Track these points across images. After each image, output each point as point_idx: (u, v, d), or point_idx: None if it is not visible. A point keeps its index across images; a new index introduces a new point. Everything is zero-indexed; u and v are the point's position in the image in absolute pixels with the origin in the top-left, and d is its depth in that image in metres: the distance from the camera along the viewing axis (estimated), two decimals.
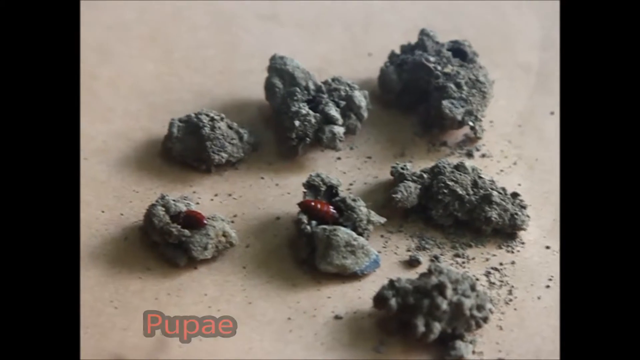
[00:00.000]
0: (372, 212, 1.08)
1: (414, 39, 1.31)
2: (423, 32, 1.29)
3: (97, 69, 1.34)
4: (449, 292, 0.96)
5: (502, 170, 1.20)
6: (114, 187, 1.16)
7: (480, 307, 0.98)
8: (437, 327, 0.96)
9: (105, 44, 1.39)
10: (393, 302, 0.97)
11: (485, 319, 0.98)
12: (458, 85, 1.21)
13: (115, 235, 1.10)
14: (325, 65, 1.35)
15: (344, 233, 1.04)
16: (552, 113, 1.28)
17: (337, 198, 1.09)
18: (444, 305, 0.96)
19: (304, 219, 1.06)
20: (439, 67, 1.23)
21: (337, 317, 1.01)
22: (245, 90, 1.31)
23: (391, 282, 0.99)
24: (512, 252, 1.10)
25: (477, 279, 1.05)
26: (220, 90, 1.32)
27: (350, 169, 1.20)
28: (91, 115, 1.26)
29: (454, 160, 1.17)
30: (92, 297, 1.02)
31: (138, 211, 1.12)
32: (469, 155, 1.22)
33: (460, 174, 1.11)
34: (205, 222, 1.05)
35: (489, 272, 1.07)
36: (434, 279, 0.98)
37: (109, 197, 1.15)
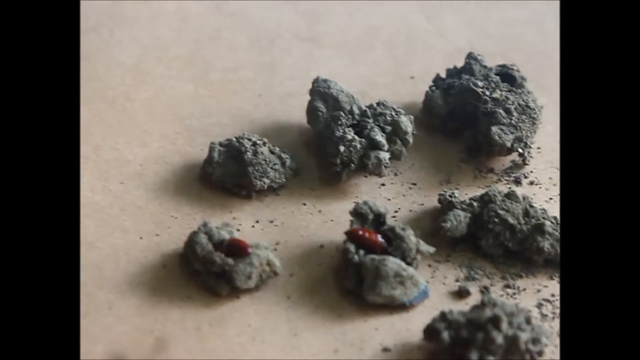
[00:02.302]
0: (421, 242, 1.06)
1: (456, 62, 1.29)
2: (470, 56, 1.27)
3: (133, 90, 1.32)
4: (504, 326, 0.93)
5: (551, 199, 1.17)
6: (152, 212, 1.14)
7: (535, 341, 0.95)
8: None
9: (141, 65, 1.37)
10: (445, 334, 0.95)
11: (540, 353, 0.95)
12: (507, 111, 1.18)
13: (154, 263, 1.07)
14: (366, 88, 1.32)
15: (393, 263, 1.01)
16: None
17: (385, 227, 1.06)
18: (499, 339, 0.93)
19: (352, 247, 1.03)
20: (487, 92, 1.20)
21: (385, 350, 0.98)
22: (285, 113, 1.29)
23: (443, 314, 0.96)
24: None
25: (529, 311, 1.01)
26: (259, 113, 1.29)
27: (394, 196, 1.17)
28: (127, 138, 1.24)
29: (501, 187, 1.14)
30: (131, 327, 0.99)
31: (177, 238, 1.09)
32: (517, 182, 1.19)
33: (512, 203, 1.08)
34: (249, 250, 1.02)
35: (541, 304, 1.04)
36: (488, 312, 0.95)
37: (147, 223, 1.12)
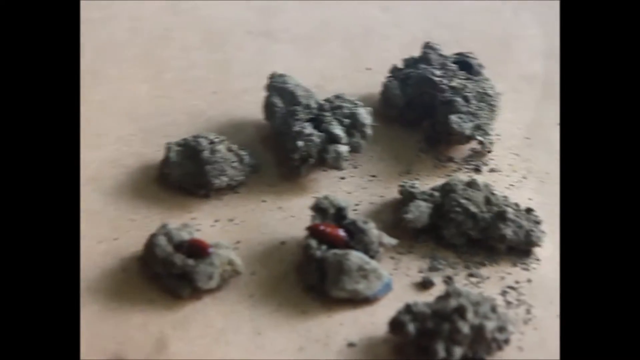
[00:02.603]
0: (384, 234, 1.04)
1: (412, 52, 1.28)
2: (427, 45, 1.26)
3: (87, 92, 1.30)
4: (469, 315, 0.92)
5: (512, 185, 1.17)
6: (110, 216, 1.12)
7: (501, 329, 0.94)
8: (458, 351, 0.92)
9: (95, 66, 1.35)
10: (411, 327, 0.93)
11: (506, 341, 0.95)
12: (466, 99, 1.17)
13: (114, 267, 1.05)
14: (322, 81, 1.31)
15: (355, 257, 1.00)
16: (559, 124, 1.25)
17: (347, 221, 1.05)
18: (465, 329, 0.92)
19: (313, 243, 1.02)
20: (445, 81, 1.19)
21: (350, 345, 0.97)
22: (241, 110, 1.28)
23: (407, 306, 0.95)
24: (528, 270, 1.06)
25: (494, 299, 1.00)
26: (214, 111, 1.28)
27: (355, 189, 1.16)
28: (82, 141, 1.21)
29: (462, 175, 1.14)
30: (91, 333, 0.97)
31: (137, 241, 1.07)
32: (477, 170, 1.18)
33: (473, 191, 1.07)
34: (209, 250, 1.01)
35: (505, 291, 1.03)
36: (453, 302, 0.94)
37: (105, 227, 1.10)
